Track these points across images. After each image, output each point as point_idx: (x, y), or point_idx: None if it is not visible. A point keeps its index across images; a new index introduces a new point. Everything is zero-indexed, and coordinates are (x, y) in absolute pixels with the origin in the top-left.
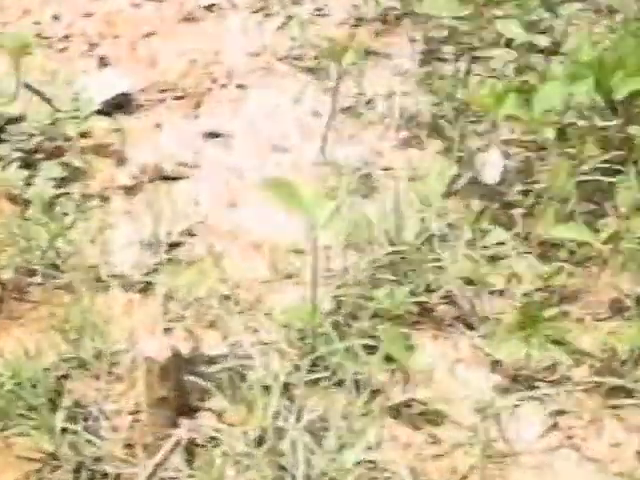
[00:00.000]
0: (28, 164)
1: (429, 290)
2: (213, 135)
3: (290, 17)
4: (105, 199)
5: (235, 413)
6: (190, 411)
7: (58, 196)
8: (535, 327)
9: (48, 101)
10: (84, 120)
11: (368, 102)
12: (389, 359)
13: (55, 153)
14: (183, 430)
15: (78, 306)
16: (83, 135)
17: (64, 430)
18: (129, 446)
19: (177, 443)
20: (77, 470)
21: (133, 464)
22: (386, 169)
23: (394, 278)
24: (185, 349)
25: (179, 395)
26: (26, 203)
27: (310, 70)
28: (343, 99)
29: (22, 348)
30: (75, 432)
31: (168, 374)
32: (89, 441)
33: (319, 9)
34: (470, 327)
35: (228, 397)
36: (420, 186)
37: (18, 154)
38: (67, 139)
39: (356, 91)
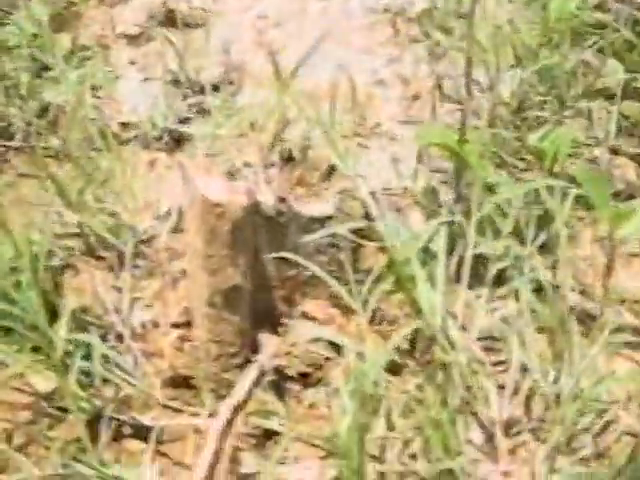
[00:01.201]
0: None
1: None
2: None
3: None
4: (104, 47)
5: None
6: (277, 318)
7: (42, 42)
8: None
9: None
10: None
11: None
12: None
13: None
14: (268, 351)
15: (79, 170)
16: None
17: (68, 354)
18: (176, 382)
19: (261, 373)
20: (92, 422)
21: (186, 413)
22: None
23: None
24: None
25: (259, 285)
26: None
27: None
28: None
29: None
30: (86, 357)
31: (242, 242)
32: (109, 371)
33: None
34: None
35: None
36: None
37: None
38: None
39: None
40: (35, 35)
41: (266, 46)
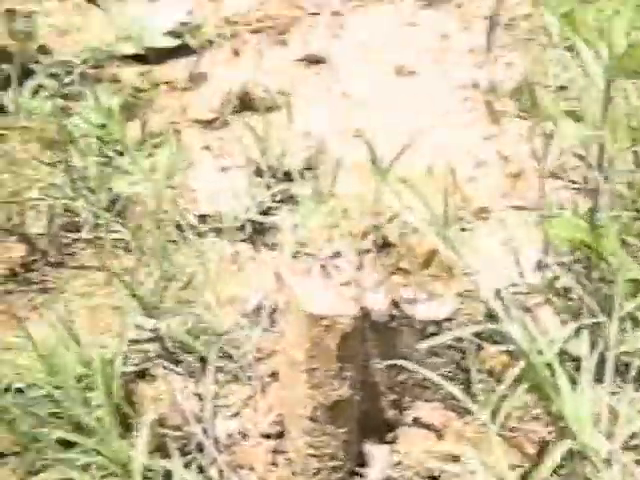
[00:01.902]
0: (68, 97)
1: None
2: (312, 60)
3: None
4: (176, 134)
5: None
6: (385, 425)
7: (111, 130)
8: None
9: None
10: (141, 41)
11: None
12: None
13: (105, 82)
14: (378, 463)
15: (153, 266)
16: (139, 59)
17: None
18: None
19: None
20: None
21: None
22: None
23: None
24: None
25: (367, 397)
26: (69, 140)
27: None
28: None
29: (64, 332)
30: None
31: (350, 353)
32: None
33: None
34: None
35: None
36: None
37: (55, 86)
38: (116, 68)
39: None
40: (103, 125)
41: (352, 129)
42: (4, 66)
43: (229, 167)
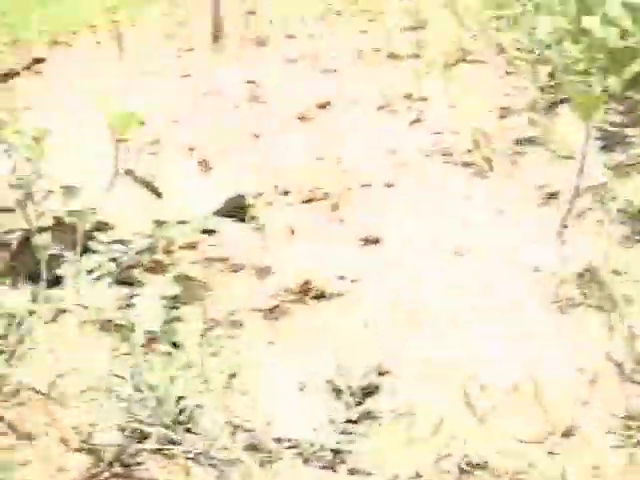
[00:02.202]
0: (126, 280)
1: None
2: (369, 240)
3: (422, 112)
4: (237, 325)
5: None
6: None
7: (170, 321)
8: None
9: (156, 192)
10: (198, 224)
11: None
12: None
13: (162, 265)
14: None
15: None
16: (195, 245)
17: None
18: None
19: None
20: None
21: None
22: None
23: None
24: None
25: None
26: (127, 331)
27: (467, 164)
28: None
29: None
30: None
31: None
32: None
33: (452, 105)
34: None
35: None
36: None
37: (112, 267)
38: (172, 250)
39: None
40: (162, 313)
41: (420, 321)
42: (62, 245)
43: (302, 382)
